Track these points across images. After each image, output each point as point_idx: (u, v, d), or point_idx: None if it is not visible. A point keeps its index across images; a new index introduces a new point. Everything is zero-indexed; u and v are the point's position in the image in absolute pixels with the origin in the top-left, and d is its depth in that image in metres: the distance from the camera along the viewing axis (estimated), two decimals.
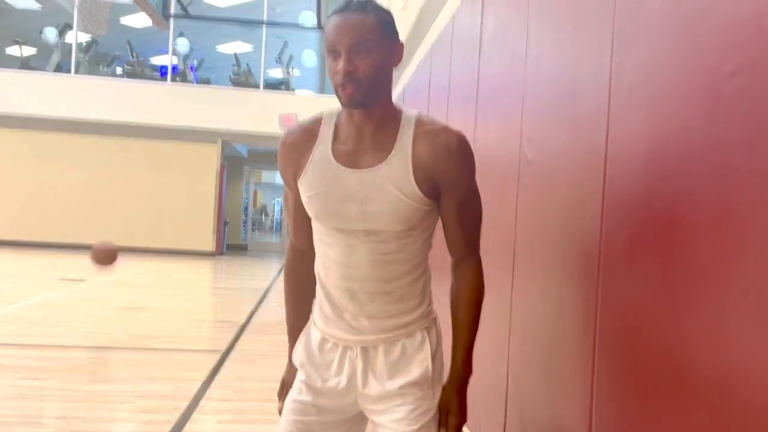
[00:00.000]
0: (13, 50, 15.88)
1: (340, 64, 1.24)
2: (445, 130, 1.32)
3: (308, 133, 1.36)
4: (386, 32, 1.29)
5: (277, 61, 14.80)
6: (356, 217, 1.28)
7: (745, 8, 0.96)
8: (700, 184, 1.05)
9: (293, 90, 14.81)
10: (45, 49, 14.48)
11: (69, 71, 13.60)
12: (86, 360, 3.99)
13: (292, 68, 15.27)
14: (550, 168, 1.81)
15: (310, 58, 16.79)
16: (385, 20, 1.29)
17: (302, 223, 1.44)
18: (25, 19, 15.31)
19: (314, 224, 1.37)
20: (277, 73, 15.80)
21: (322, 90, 16.80)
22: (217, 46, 16.84)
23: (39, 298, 6.36)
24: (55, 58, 13.77)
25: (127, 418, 2.96)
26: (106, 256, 5.38)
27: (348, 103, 1.26)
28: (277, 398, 1.50)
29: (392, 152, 1.29)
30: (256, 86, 14.08)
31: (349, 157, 1.31)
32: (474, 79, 2.82)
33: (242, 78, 14.25)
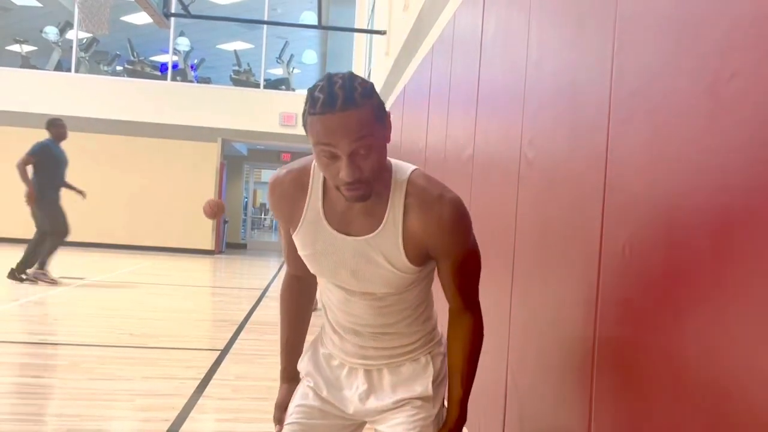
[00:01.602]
0: (14, 48, 15.88)
1: (343, 170, 1.12)
2: (438, 200, 1.22)
3: (297, 185, 1.30)
4: (380, 117, 1.16)
5: (277, 60, 14.81)
6: (350, 281, 1.29)
7: (746, 11, 0.96)
8: (700, 186, 1.05)
9: (293, 89, 14.82)
10: (45, 47, 14.49)
11: (69, 69, 13.60)
12: (85, 358, 3.99)
13: (293, 67, 15.27)
14: (550, 169, 1.81)
15: (310, 57, 16.80)
16: (376, 104, 1.15)
17: (297, 255, 1.42)
18: (25, 17, 15.32)
19: None
20: (277, 72, 15.80)
21: None
22: (217, 45, 16.85)
23: (38, 295, 6.36)
24: (56, 56, 13.77)
25: (126, 416, 2.96)
26: (215, 209, 6.52)
27: (354, 201, 1.17)
28: (273, 398, 1.51)
29: (383, 222, 1.24)
30: (257, 85, 14.08)
31: (341, 221, 1.26)
32: (475, 80, 2.82)
33: (243, 77, 14.26)
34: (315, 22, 12.84)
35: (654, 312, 1.17)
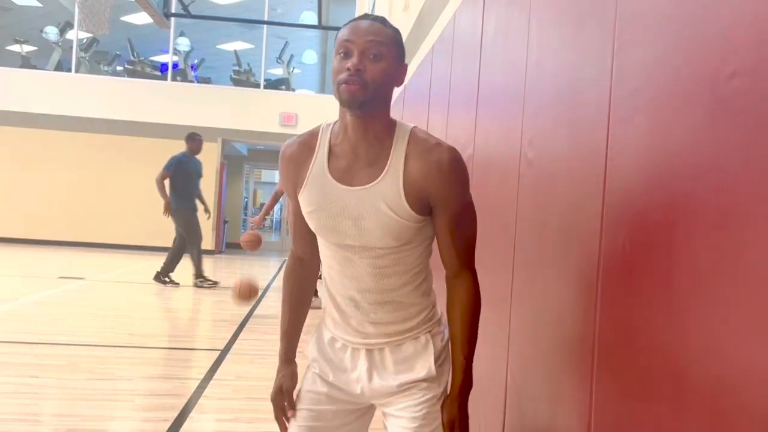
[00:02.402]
0: (14, 48, 15.88)
1: (350, 62, 1.23)
2: (437, 146, 1.30)
3: (305, 147, 1.37)
4: (398, 49, 1.30)
5: (278, 60, 14.80)
6: (352, 233, 1.31)
7: (746, 10, 0.96)
8: (700, 186, 1.05)
9: (294, 89, 14.82)
10: (46, 47, 14.48)
11: (69, 69, 13.60)
12: (85, 358, 3.99)
13: (293, 67, 15.27)
14: (550, 169, 1.81)
15: (310, 57, 16.79)
16: (399, 39, 1.31)
17: (303, 232, 1.47)
18: (26, 17, 15.32)
19: (317, 236, 1.41)
20: (277, 72, 15.80)
21: (322, 89, 16.80)
22: (217, 45, 16.85)
23: (38, 295, 6.36)
24: (56, 56, 13.77)
25: (126, 417, 2.96)
26: (248, 292, 6.07)
27: (348, 100, 1.23)
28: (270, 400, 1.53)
29: (385, 169, 1.29)
30: (257, 85, 14.08)
31: (345, 173, 1.32)
32: (475, 80, 2.82)
33: (243, 77, 14.26)
34: (315, 22, 12.84)
35: (654, 311, 1.17)
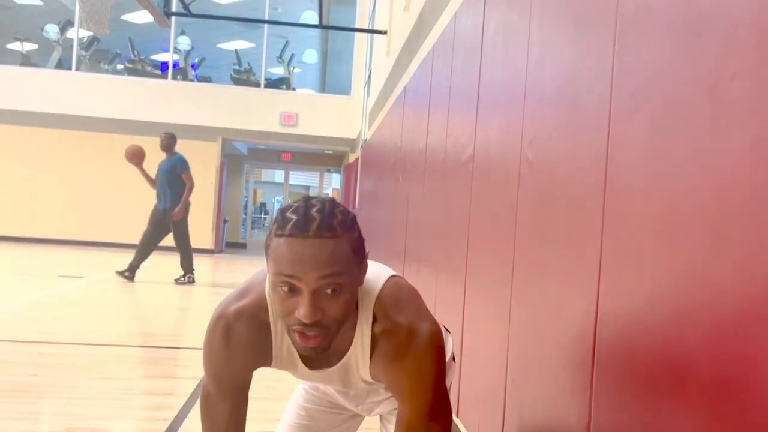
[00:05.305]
0: (15, 46, 15.88)
1: (302, 308, 0.94)
2: (407, 338, 1.09)
3: (256, 329, 1.14)
4: (359, 255, 1.00)
5: (278, 60, 14.81)
6: (338, 385, 1.27)
7: (747, 12, 0.96)
8: (700, 186, 1.05)
9: (294, 88, 14.82)
10: (46, 46, 14.49)
11: (70, 68, 13.60)
12: (84, 357, 3.99)
13: (294, 67, 15.27)
14: (551, 169, 1.81)
15: (311, 56, 16.80)
16: (357, 238, 1.00)
17: (240, 398, 1.30)
18: (26, 15, 15.32)
19: None
20: (278, 72, 15.81)
21: (323, 89, 16.80)
22: (218, 45, 16.85)
23: (38, 294, 6.36)
24: (56, 54, 13.77)
25: (124, 416, 2.96)
26: (135, 155, 7.48)
27: (307, 352, 1.01)
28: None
29: (350, 350, 1.14)
30: (257, 84, 14.08)
31: (314, 359, 1.18)
32: (475, 80, 2.82)
33: (243, 76, 14.26)
34: (316, 22, 12.83)
35: (654, 312, 1.17)
